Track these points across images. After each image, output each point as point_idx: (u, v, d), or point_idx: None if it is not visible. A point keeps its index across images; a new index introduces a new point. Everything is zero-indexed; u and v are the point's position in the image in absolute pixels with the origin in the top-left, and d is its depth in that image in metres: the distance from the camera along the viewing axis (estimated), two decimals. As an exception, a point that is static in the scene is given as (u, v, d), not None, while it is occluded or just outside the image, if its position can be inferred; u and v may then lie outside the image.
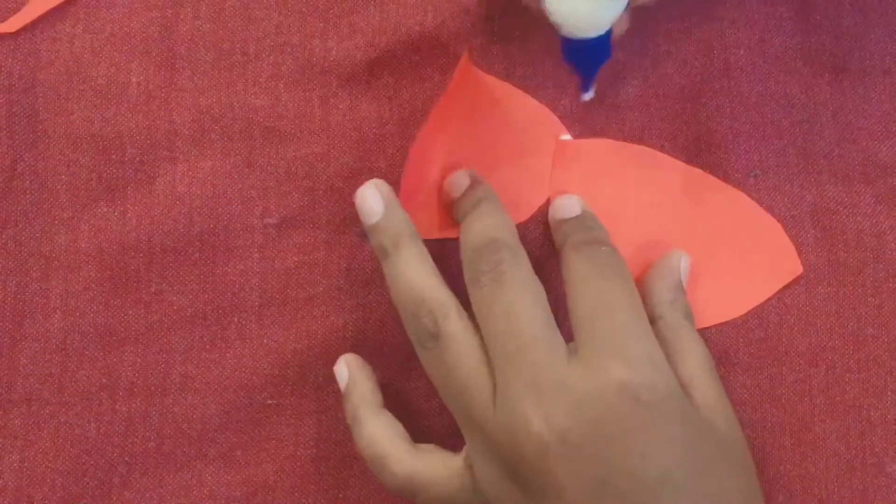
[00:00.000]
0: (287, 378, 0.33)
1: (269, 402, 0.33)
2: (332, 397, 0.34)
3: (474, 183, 0.32)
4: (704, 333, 0.33)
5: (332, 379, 0.33)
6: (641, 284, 0.33)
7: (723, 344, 0.34)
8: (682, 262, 0.33)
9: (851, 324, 0.34)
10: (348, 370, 0.32)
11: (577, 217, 0.33)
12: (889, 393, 0.33)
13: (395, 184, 0.34)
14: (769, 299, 0.34)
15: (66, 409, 0.33)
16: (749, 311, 0.34)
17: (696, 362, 0.30)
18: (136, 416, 0.33)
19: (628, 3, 0.29)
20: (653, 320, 0.31)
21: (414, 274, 0.29)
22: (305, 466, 0.33)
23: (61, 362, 0.33)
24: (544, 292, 0.29)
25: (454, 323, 0.29)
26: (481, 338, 0.29)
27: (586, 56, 0.31)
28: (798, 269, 0.34)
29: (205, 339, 0.34)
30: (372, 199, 0.31)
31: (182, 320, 0.34)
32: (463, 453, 0.30)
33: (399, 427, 0.31)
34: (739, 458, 0.29)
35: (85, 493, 0.33)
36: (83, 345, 0.33)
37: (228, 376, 0.33)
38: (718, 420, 0.29)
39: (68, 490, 0.33)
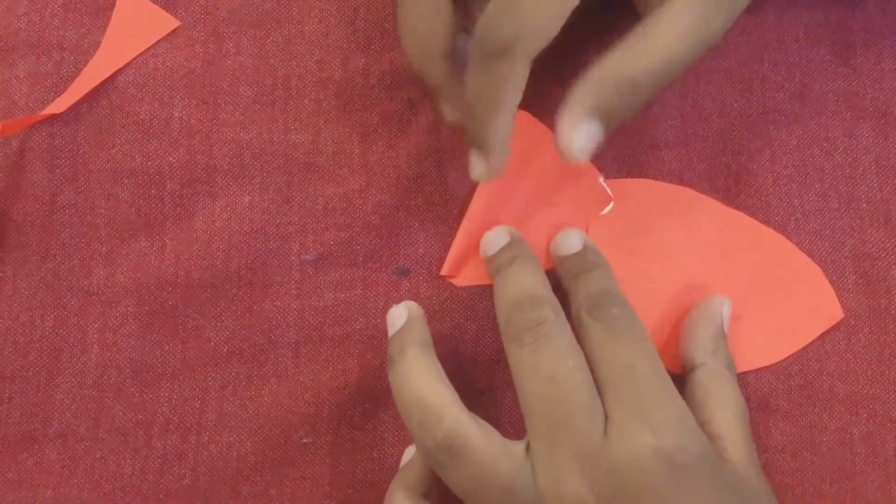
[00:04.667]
0: (323, 416, 0.33)
1: (305, 440, 0.33)
2: (368, 436, 0.33)
3: (512, 241, 0.32)
4: (744, 379, 0.33)
5: (369, 417, 0.33)
6: (682, 329, 0.33)
7: (762, 390, 0.33)
8: (725, 309, 0.32)
9: (892, 372, 0.33)
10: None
11: (578, 253, 0.32)
12: (931, 443, 0.33)
13: (432, 221, 0.34)
14: (809, 345, 0.34)
15: (101, 445, 0.33)
16: (789, 357, 0.33)
17: (733, 414, 0.30)
18: (170, 453, 0.33)
19: None
20: (693, 367, 0.31)
21: (417, 382, 0.29)
22: (340, 507, 0.33)
23: (97, 398, 0.33)
24: (583, 355, 0.29)
25: (468, 429, 0.28)
26: (493, 436, 0.28)
27: None
28: (839, 314, 0.34)
29: (241, 376, 0.33)
30: (397, 312, 0.31)
31: (218, 357, 0.33)
32: (524, 443, 0.28)
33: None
34: None
35: (118, 529, 0.33)
36: (119, 380, 0.33)
37: (264, 414, 0.33)
38: (751, 475, 0.29)
39: (101, 526, 0.33)
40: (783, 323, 0.34)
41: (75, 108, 0.34)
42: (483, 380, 0.34)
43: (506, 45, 0.27)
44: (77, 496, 0.33)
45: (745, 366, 0.33)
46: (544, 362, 0.28)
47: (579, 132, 0.28)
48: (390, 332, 0.31)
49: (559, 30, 0.27)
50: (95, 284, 0.34)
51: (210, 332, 0.33)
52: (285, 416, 0.33)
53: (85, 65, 0.34)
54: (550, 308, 0.29)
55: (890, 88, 0.35)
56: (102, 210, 0.34)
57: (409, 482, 0.30)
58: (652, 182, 0.35)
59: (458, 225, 0.34)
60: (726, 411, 0.30)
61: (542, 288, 0.30)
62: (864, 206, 0.34)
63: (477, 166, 0.31)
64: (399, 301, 0.34)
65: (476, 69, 0.28)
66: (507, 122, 0.29)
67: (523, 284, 0.30)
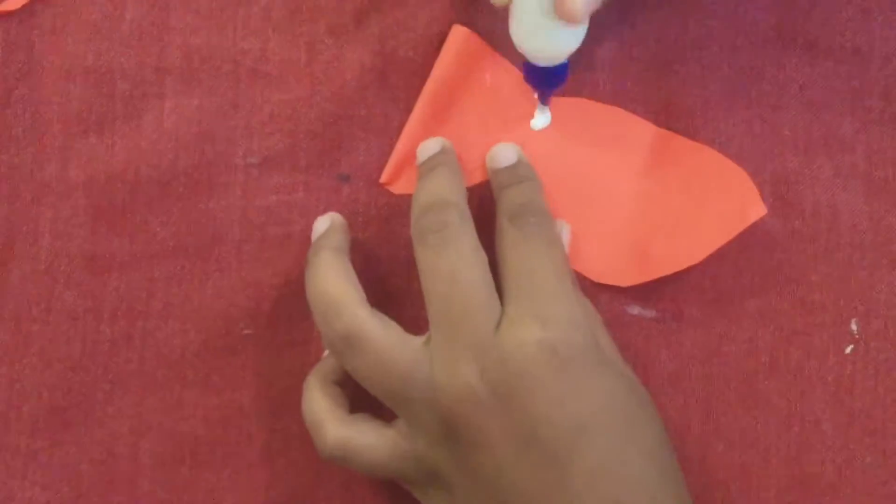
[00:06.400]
0: (263, 311, 0.35)
1: (246, 332, 0.35)
2: (304, 332, 0.35)
3: (441, 150, 0.34)
4: (661, 289, 0.35)
5: (305, 315, 0.35)
6: None
7: (677, 302, 0.35)
8: (564, 233, 0.34)
9: (800, 289, 0.35)
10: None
11: (511, 166, 0.34)
12: (830, 356, 0.35)
13: (373, 131, 0.36)
14: (725, 261, 0.35)
15: (53, 328, 0.35)
16: (705, 270, 0.35)
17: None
18: (119, 339, 0.35)
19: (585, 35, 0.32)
20: None
21: (325, 279, 0.31)
22: (279, 394, 0.35)
23: (49, 284, 0.35)
24: (486, 256, 0.31)
25: (366, 322, 0.30)
26: (391, 329, 0.30)
27: (546, 80, 0.34)
28: (762, 210, 0.34)
29: (186, 270, 0.35)
30: (321, 220, 0.34)
31: (165, 251, 0.35)
32: (394, 425, 0.31)
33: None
34: (651, 409, 0.31)
35: (70, 406, 0.35)
36: (70, 269, 0.35)
37: (208, 306, 0.35)
38: (632, 374, 0.31)
39: (55, 403, 0.35)
40: (708, 222, 0.34)
41: (30, 5, 0.35)
42: (416, 281, 0.36)
43: None
44: (30, 374, 0.35)
45: (673, 267, 0.34)
46: (445, 262, 0.30)
47: None
48: (313, 238, 0.33)
49: None
50: (48, 177, 0.35)
51: (157, 227, 0.35)
52: (227, 309, 0.35)
53: (40, -37, 0.35)
54: (457, 213, 0.31)
55: (819, 21, 0.36)
56: (55, 107, 0.35)
57: (325, 371, 0.33)
58: (586, 101, 0.36)
59: (399, 136, 0.36)
60: None
61: (453, 194, 0.32)
62: (785, 133, 0.36)
63: None
64: (339, 204, 0.35)
65: None
66: None
67: (436, 189, 0.32)
